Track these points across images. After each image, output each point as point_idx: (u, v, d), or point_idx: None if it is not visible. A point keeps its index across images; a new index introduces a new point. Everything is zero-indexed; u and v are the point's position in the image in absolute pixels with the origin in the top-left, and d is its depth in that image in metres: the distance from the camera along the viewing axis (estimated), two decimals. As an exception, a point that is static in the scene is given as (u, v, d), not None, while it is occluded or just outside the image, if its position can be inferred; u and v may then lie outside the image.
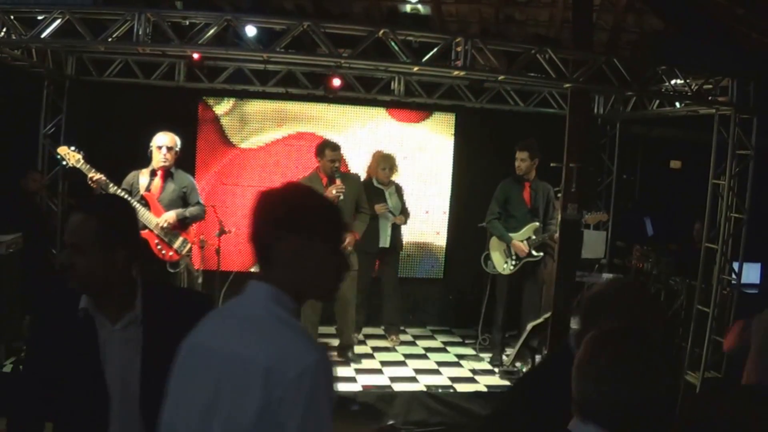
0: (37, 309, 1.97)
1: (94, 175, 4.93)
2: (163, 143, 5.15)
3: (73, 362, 1.87)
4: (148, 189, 5.15)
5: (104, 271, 1.84)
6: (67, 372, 1.87)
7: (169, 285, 2.41)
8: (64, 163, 5.05)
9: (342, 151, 5.85)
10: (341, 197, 5.50)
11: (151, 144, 5.20)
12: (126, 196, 5.02)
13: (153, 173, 5.19)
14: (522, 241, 6.01)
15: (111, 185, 4.98)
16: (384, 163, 6.37)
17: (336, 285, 1.63)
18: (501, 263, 6.09)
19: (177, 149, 5.24)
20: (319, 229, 1.55)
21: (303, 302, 1.58)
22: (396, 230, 6.44)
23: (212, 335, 1.56)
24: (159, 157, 5.14)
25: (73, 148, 5.06)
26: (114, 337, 1.89)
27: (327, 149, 5.67)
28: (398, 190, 6.50)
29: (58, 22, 4.72)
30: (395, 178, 6.55)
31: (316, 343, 1.49)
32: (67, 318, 1.88)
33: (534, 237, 6.01)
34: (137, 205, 5.06)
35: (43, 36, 4.76)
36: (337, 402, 1.51)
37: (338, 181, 5.56)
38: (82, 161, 4.99)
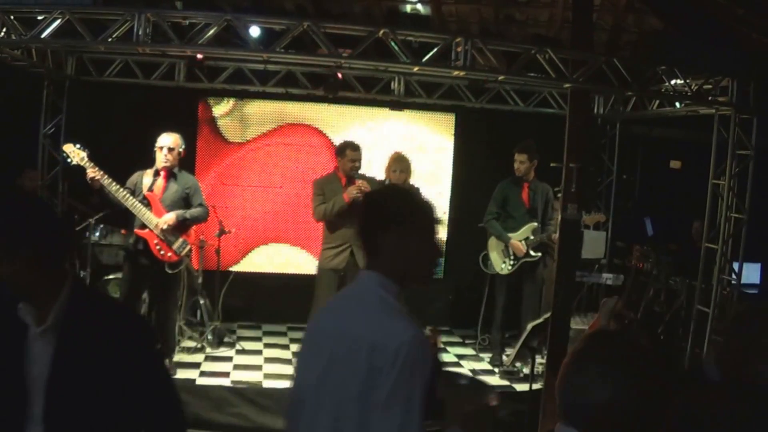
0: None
1: (92, 172, 4.94)
2: (165, 144, 5.16)
3: (2, 361, 1.84)
4: (150, 189, 5.16)
5: (7, 274, 1.79)
6: None
7: (106, 297, 2.18)
8: (69, 160, 5.06)
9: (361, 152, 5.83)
10: (361, 198, 5.50)
11: (156, 144, 5.22)
12: (128, 195, 5.04)
13: (157, 173, 5.21)
14: (520, 240, 6.02)
15: (112, 183, 4.98)
16: (395, 165, 6.34)
17: (431, 271, 1.94)
18: (499, 263, 6.10)
19: (180, 150, 5.25)
20: (415, 223, 1.85)
21: (405, 287, 1.85)
22: None
23: (329, 317, 1.91)
24: (160, 158, 5.16)
25: (78, 146, 5.08)
26: (35, 340, 1.83)
27: (348, 149, 5.64)
28: None
29: (58, 22, 4.71)
30: (412, 180, 6.52)
31: (413, 323, 1.75)
32: (11, 316, 1.85)
33: (532, 237, 6.01)
34: (138, 205, 5.07)
35: (43, 36, 4.76)
36: (445, 375, 1.87)
37: (359, 182, 5.54)
38: (86, 159, 5.01)
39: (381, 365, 1.67)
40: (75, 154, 5.02)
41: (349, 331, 1.77)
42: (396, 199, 1.91)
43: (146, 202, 5.13)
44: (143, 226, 5.11)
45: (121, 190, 5.03)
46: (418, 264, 1.86)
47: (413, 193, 1.99)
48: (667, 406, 1.43)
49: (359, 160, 5.68)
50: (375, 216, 1.87)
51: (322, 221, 5.66)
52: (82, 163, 5.00)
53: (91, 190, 5.07)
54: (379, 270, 1.83)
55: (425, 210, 1.90)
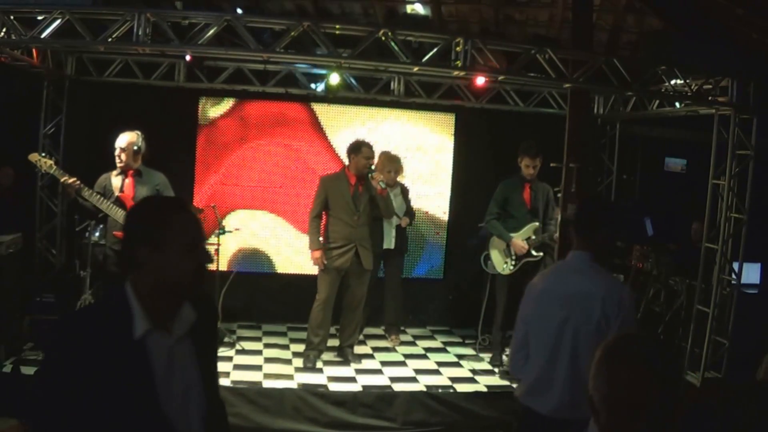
0: (65, 338, 1.69)
1: (67, 179, 4.86)
2: (117, 144, 5.04)
3: (126, 392, 1.66)
4: (122, 190, 5.06)
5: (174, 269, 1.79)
6: (119, 403, 1.66)
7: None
8: (37, 170, 5.01)
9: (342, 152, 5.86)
10: (383, 185, 5.58)
11: None
12: (101, 199, 4.96)
13: (123, 173, 5.09)
14: (522, 240, 6.01)
15: (86, 189, 4.89)
16: (389, 165, 6.35)
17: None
18: (501, 263, 6.09)
19: (135, 148, 5.06)
20: (615, 225, 2.98)
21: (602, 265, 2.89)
22: (401, 232, 6.43)
23: (554, 283, 2.94)
24: (116, 159, 5.06)
25: (44, 154, 5.05)
26: (174, 351, 1.73)
27: (364, 147, 5.63)
28: (404, 192, 6.49)
29: (58, 22, 4.72)
30: (401, 179, 6.54)
31: (622, 282, 3.19)
32: (113, 343, 1.67)
33: (534, 237, 6.00)
34: (114, 207, 5.01)
35: (43, 36, 4.76)
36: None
37: (377, 174, 5.57)
38: (54, 167, 4.94)
39: (609, 311, 2.70)
40: (42, 163, 4.94)
41: (583, 291, 2.78)
42: (606, 207, 3.10)
43: (120, 203, 5.03)
44: (121, 227, 5.02)
45: (94, 194, 4.94)
46: (612, 252, 3.01)
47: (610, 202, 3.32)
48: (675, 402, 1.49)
49: (373, 158, 5.69)
50: (593, 218, 2.88)
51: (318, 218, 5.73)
52: (51, 171, 4.94)
53: (64, 195, 4.99)
54: (589, 251, 2.85)
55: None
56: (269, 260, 7.14)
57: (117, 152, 5.04)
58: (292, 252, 7.10)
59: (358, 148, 5.64)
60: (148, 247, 1.72)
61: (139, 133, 5.11)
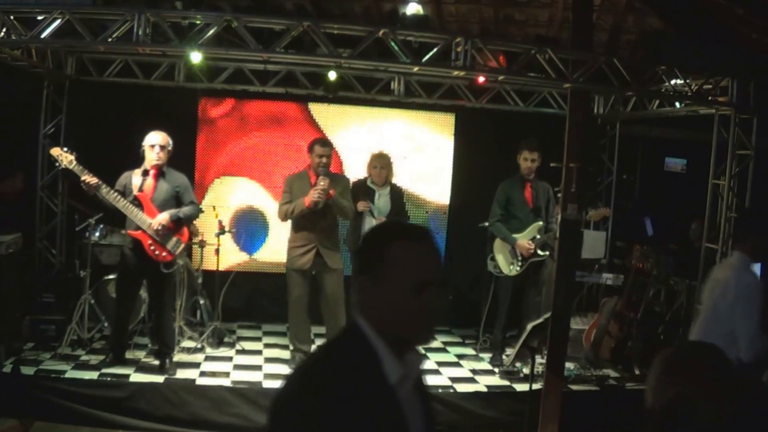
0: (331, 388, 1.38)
1: (87, 178, 4.89)
2: (156, 142, 5.09)
3: None
4: (141, 189, 5.09)
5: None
6: None
7: None
8: (57, 164, 5.03)
9: (332, 149, 5.76)
10: (320, 203, 5.39)
11: (144, 143, 5.15)
12: (119, 197, 4.99)
13: (145, 173, 5.14)
14: (527, 240, 6.00)
15: (104, 187, 4.94)
16: (375, 161, 6.26)
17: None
18: (507, 265, 6.06)
19: (170, 148, 5.17)
20: (763, 231, 3.67)
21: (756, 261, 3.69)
22: None
23: (714, 272, 3.77)
24: (152, 156, 5.09)
25: (66, 149, 5.04)
26: (411, 401, 1.49)
27: (316, 145, 5.58)
28: (395, 193, 6.33)
29: (58, 22, 4.71)
30: (394, 179, 6.50)
31: (751, 273, 3.54)
32: (369, 396, 1.40)
33: (539, 236, 5.99)
34: (130, 206, 5.03)
35: (43, 36, 4.76)
36: None
37: (321, 182, 5.39)
38: (75, 162, 4.95)
39: (736, 292, 3.41)
40: (63, 157, 4.96)
41: (725, 279, 3.53)
42: (756, 217, 3.79)
43: (137, 203, 5.08)
44: (136, 227, 5.07)
45: (112, 192, 4.97)
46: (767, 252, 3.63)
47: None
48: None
49: (327, 156, 5.56)
50: (745, 226, 3.75)
51: (284, 221, 5.70)
52: (70, 167, 4.95)
53: (84, 192, 5.02)
54: (743, 251, 3.58)
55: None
56: (269, 256, 7.14)
57: (156, 150, 5.07)
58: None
59: (312, 147, 5.60)
60: (366, 278, 1.50)
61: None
